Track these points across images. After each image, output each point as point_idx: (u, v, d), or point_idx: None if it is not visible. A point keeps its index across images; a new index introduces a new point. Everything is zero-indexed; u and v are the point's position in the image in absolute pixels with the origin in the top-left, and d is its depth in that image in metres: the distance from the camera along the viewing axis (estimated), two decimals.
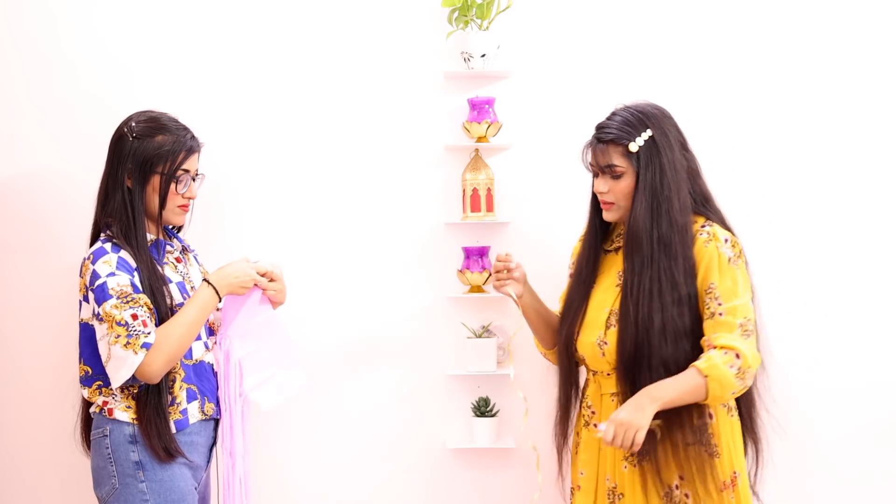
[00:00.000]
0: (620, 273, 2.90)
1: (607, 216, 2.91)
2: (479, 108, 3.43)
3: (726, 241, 2.83)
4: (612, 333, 2.85)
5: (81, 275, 2.81)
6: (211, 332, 3.00)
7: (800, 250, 3.51)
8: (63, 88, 3.43)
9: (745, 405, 2.92)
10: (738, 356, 2.72)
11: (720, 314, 2.76)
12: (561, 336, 2.98)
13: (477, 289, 3.43)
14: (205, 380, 2.92)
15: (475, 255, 3.43)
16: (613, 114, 2.90)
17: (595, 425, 2.89)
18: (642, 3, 3.50)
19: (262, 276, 2.94)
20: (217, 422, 2.98)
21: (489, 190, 3.44)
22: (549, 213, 3.48)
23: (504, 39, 3.45)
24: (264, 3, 3.48)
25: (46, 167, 3.43)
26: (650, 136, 2.83)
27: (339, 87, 3.49)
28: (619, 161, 2.84)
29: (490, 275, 3.39)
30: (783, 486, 3.34)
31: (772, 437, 3.04)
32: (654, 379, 2.75)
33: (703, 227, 2.85)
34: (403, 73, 3.49)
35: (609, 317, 2.87)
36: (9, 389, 3.45)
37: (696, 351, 2.79)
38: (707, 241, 2.82)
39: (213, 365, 2.96)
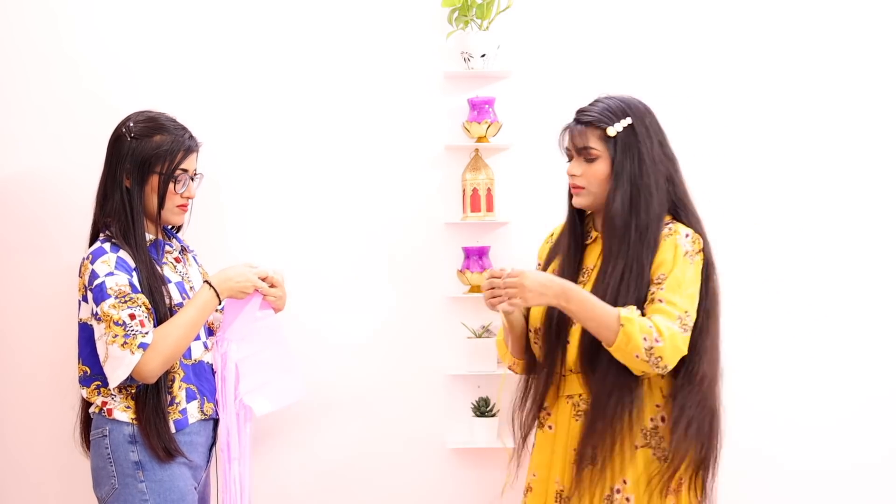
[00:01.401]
0: (590, 268, 2.85)
1: (577, 201, 2.85)
2: (479, 108, 3.43)
3: (687, 235, 2.78)
4: (575, 332, 2.79)
5: (80, 274, 2.81)
6: (210, 332, 3.00)
7: (795, 252, 3.51)
8: (64, 88, 3.43)
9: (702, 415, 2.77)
10: (658, 338, 2.64)
11: (660, 300, 2.70)
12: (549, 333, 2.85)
13: (477, 289, 3.43)
14: (204, 380, 2.92)
15: (475, 255, 3.43)
16: (596, 100, 2.87)
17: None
18: (642, 4, 3.50)
19: (263, 280, 2.94)
20: (217, 422, 2.98)
21: (489, 190, 3.44)
22: (549, 213, 3.45)
23: (504, 39, 3.45)
24: (264, 4, 3.48)
25: (47, 167, 3.43)
26: (630, 124, 2.80)
27: (339, 87, 3.49)
28: (595, 144, 2.80)
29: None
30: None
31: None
32: (613, 369, 2.69)
33: (666, 224, 2.80)
34: (403, 73, 3.49)
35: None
36: (8, 390, 3.45)
37: None
38: (667, 235, 2.78)
39: (212, 365, 2.96)
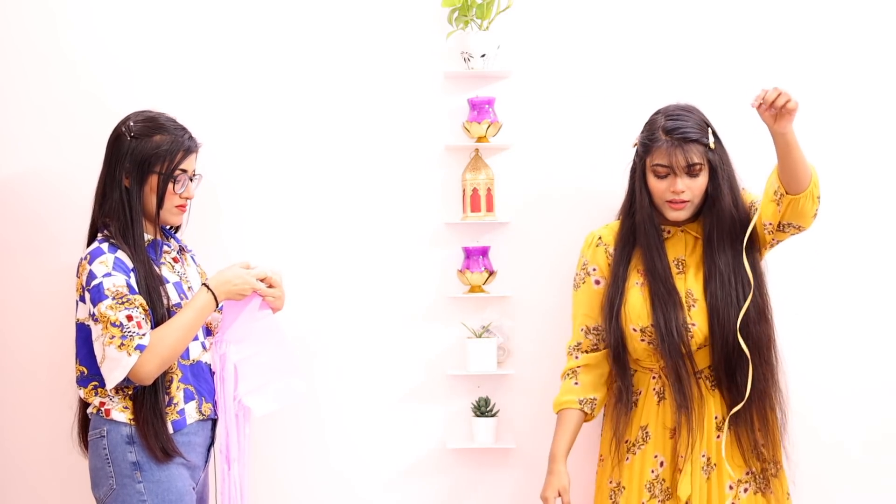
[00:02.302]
0: (680, 260, 3.04)
1: (679, 215, 3.02)
2: (479, 108, 3.42)
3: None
4: (697, 314, 2.99)
5: (78, 275, 2.81)
6: (209, 332, 3.00)
7: (800, 252, 3.51)
8: (63, 88, 3.43)
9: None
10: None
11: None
12: (670, 332, 2.98)
13: (477, 289, 3.43)
14: (202, 380, 2.92)
15: (475, 255, 3.43)
16: (675, 115, 3.02)
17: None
18: (642, 4, 3.50)
19: (262, 281, 2.94)
20: (215, 422, 2.98)
21: (489, 190, 3.44)
22: (549, 213, 3.47)
23: (504, 39, 3.45)
24: (264, 4, 3.48)
25: (46, 167, 3.43)
26: (713, 132, 3.01)
27: (338, 87, 3.49)
28: (699, 159, 2.98)
29: (490, 274, 3.40)
30: None
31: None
32: (742, 363, 2.93)
33: None
34: (403, 73, 3.49)
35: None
36: (7, 389, 3.45)
37: (770, 331, 3.00)
38: None
39: (210, 365, 2.96)
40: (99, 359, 2.74)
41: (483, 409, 3.45)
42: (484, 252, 3.43)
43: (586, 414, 3.09)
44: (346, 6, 3.48)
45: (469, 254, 3.43)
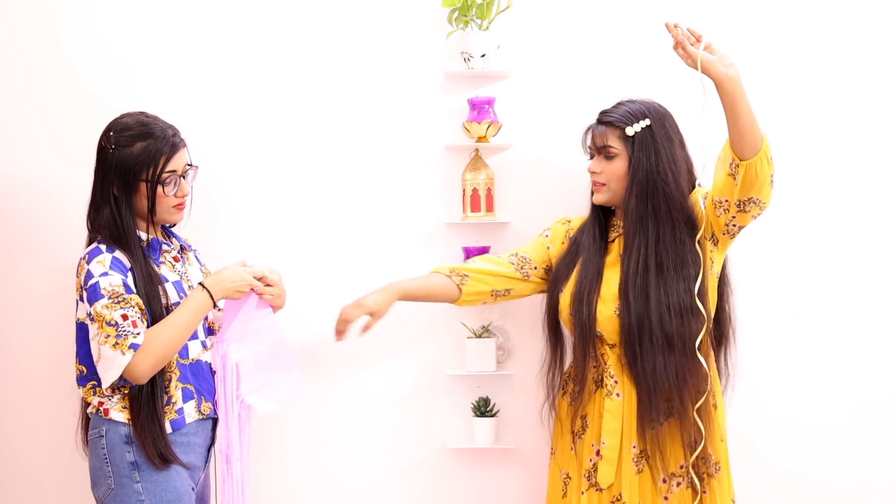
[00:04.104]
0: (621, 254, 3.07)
1: (597, 198, 3.11)
2: (479, 108, 3.43)
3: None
4: (604, 304, 3.03)
5: (77, 274, 2.81)
6: (210, 331, 3.00)
7: (798, 253, 3.51)
8: (63, 88, 3.44)
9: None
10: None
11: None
12: (580, 311, 3.05)
13: None
14: (202, 379, 2.92)
15: (475, 255, 3.43)
16: (619, 103, 3.10)
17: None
18: (642, 4, 3.50)
19: (259, 280, 2.93)
20: (215, 422, 2.98)
21: (489, 190, 3.44)
22: (549, 213, 3.47)
23: (504, 39, 3.45)
24: (264, 3, 3.48)
25: (46, 167, 3.43)
26: (647, 125, 3.03)
27: (339, 87, 3.49)
28: (614, 143, 3.05)
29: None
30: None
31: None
32: (654, 353, 2.93)
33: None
34: (403, 73, 3.49)
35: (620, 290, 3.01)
36: (8, 389, 3.46)
37: (699, 326, 2.95)
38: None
39: (210, 364, 2.96)
40: (95, 358, 2.74)
41: (483, 409, 3.45)
42: (484, 252, 3.43)
43: (456, 287, 3.15)
44: (346, 6, 3.48)
45: (469, 254, 3.43)
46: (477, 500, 3.52)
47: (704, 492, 3.01)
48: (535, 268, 3.21)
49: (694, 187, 3.07)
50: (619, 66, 3.49)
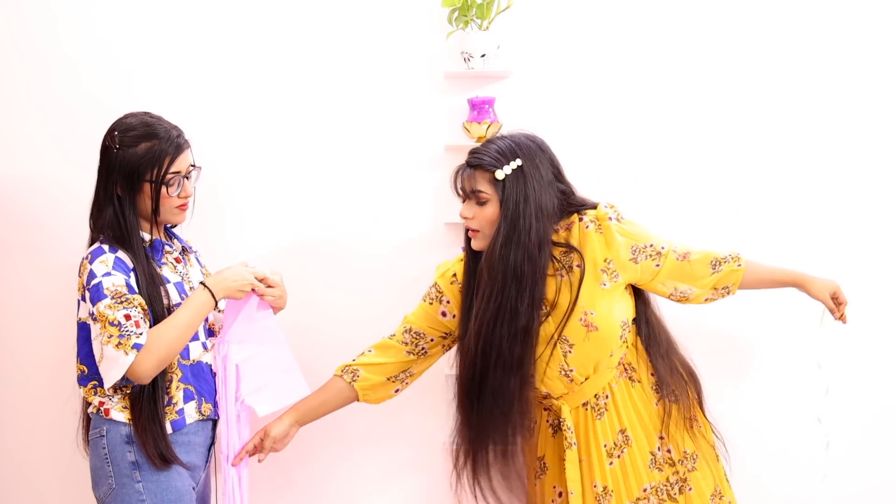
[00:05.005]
0: None
1: (474, 244, 2.96)
2: (479, 108, 3.43)
3: (610, 218, 2.93)
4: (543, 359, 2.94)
5: (80, 274, 2.81)
6: (211, 332, 3.00)
7: (795, 253, 3.51)
8: (64, 88, 3.44)
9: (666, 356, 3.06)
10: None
11: (684, 254, 2.99)
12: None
13: None
14: (202, 380, 2.92)
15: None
16: (489, 141, 2.95)
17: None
18: (642, 3, 3.50)
19: (260, 281, 2.93)
20: (216, 422, 2.98)
21: None
22: None
23: (504, 39, 3.45)
24: (264, 4, 3.48)
25: (47, 167, 3.44)
26: (519, 166, 2.88)
27: (339, 87, 3.49)
28: (484, 187, 2.90)
29: None
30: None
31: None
32: (487, 407, 2.88)
33: (581, 220, 2.92)
34: (403, 73, 3.49)
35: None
36: (8, 389, 3.46)
37: (524, 388, 2.89)
38: (598, 229, 2.92)
39: (211, 366, 2.96)
40: (97, 358, 2.74)
41: None
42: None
43: (349, 385, 3.07)
44: (346, 6, 3.49)
45: None
46: (477, 500, 3.52)
47: (690, 488, 2.99)
48: (432, 340, 3.12)
49: (573, 212, 2.95)
50: (619, 66, 3.49)
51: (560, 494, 3.03)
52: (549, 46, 3.50)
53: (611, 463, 2.96)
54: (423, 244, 3.50)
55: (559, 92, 3.49)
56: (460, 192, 2.96)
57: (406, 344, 3.11)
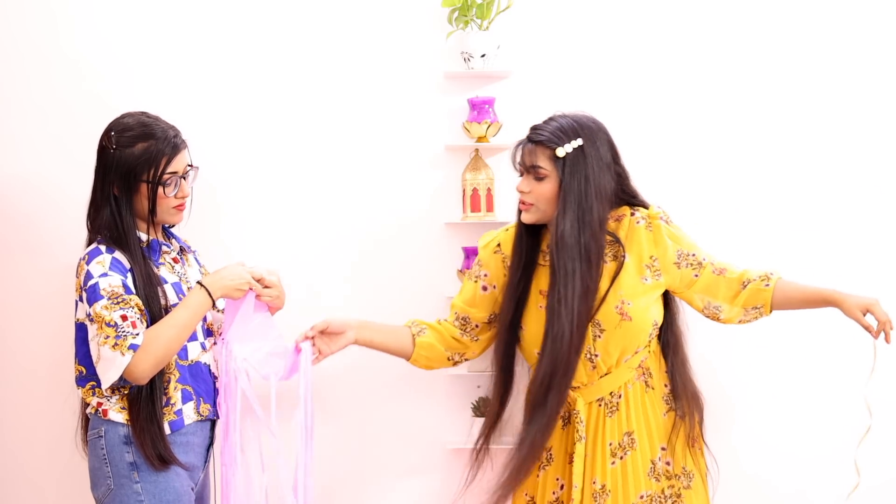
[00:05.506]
0: (544, 291, 2.99)
1: (525, 217, 2.98)
2: (479, 108, 3.43)
3: (660, 218, 2.99)
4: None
5: (77, 275, 2.81)
6: (209, 332, 3.00)
7: (795, 254, 3.51)
8: (64, 88, 3.44)
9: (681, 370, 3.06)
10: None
11: (721, 269, 2.98)
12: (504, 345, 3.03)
13: None
14: (201, 381, 2.91)
15: (475, 256, 3.42)
16: (550, 118, 2.97)
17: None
18: (642, 3, 3.50)
19: (257, 281, 2.93)
20: (214, 422, 2.98)
21: (489, 190, 3.44)
22: None
23: (504, 39, 3.45)
24: (264, 4, 3.48)
25: (47, 167, 3.44)
26: (580, 146, 2.90)
27: (338, 87, 3.49)
28: (544, 164, 2.92)
29: None
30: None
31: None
32: (563, 391, 2.90)
33: (632, 214, 2.98)
34: (403, 73, 3.49)
35: None
36: (8, 390, 3.46)
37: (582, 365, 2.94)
38: (648, 226, 2.98)
39: (209, 366, 2.95)
40: (94, 359, 2.74)
41: (483, 409, 3.45)
42: None
43: (412, 337, 3.07)
44: (345, 6, 3.49)
45: (469, 254, 3.43)
46: (477, 501, 3.51)
47: None
48: (477, 326, 3.11)
49: (624, 203, 3.00)
50: (619, 66, 3.49)
51: (562, 487, 3.02)
52: (549, 46, 3.50)
53: (613, 462, 2.96)
54: (422, 244, 3.50)
55: (559, 92, 3.48)
56: (519, 166, 2.99)
57: (457, 327, 3.12)
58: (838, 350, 3.46)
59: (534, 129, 2.96)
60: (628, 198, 3.00)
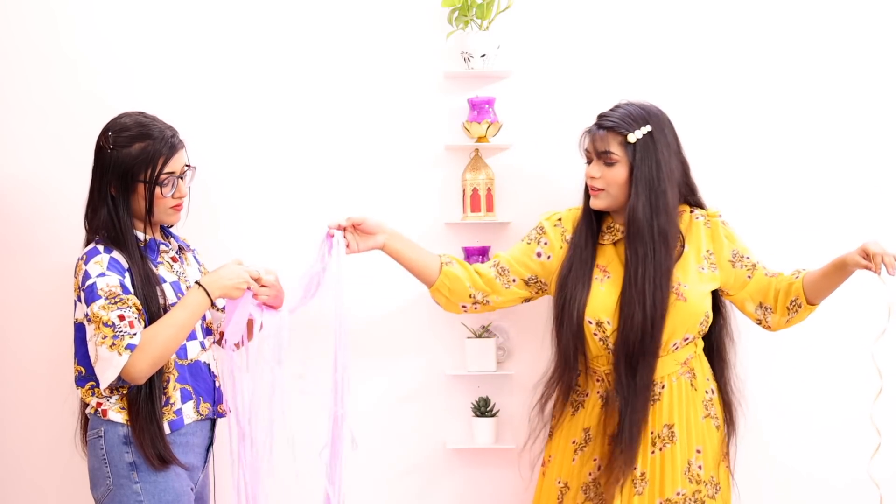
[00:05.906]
0: (603, 267, 3.06)
1: (594, 203, 3.05)
2: (479, 108, 3.42)
3: (719, 216, 3.11)
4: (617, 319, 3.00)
5: (75, 275, 2.81)
6: (208, 331, 3.00)
7: (803, 251, 3.50)
8: (63, 88, 3.44)
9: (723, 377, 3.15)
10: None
11: (772, 274, 3.05)
12: (573, 313, 3.03)
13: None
14: (200, 380, 2.92)
15: (475, 255, 3.43)
16: (617, 106, 3.05)
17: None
18: (642, 3, 3.49)
19: (255, 280, 2.92)
20: (214, 422, 2.98)
21: (489, 190, 3.44)
22: None
23: (504, 39, 3.45)
24: (264, 4, 3.48)
25: (46, 167, 3.44)
26: (649, 132, 2.98)
27: (339, 87, 3.49)
28: (615, 149, 2.99)
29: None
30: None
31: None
32: (651, 366, 2.95)
33: (691, 211, 3.09)
34: (403, 73, 3.49)
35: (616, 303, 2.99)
36: (8, 390, 3.46)
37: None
38: (706, 223, 3.09)
39: (209, 365, 2.95)
40: (92, 359, 2.74)
41: (483, 409, 3.45)
42: (484, 252, 3.43)
43: (439, 265, 3.10)
44: (346, 6, 3.48)
45: (469, 254, 3.43)
46: (477, 500, 3.52)
47: None
48: (514, 280, 3.14)
49: (691, 193, 3.11)
50: (619, 66, 3.49)
51: (599, 468, 3.03)
52: (549, 46, 3.49)
53: (652, 452, 2.99)
54: (422, 244, 3.48)
55: (559, 92, 3.48)
56: (589, 151, 3.05)
57: (493, 270, 3.13)
58: (848, 312, 3.44)
59: (602, 115, 3.03)
60: (688, 191, 3.09)
